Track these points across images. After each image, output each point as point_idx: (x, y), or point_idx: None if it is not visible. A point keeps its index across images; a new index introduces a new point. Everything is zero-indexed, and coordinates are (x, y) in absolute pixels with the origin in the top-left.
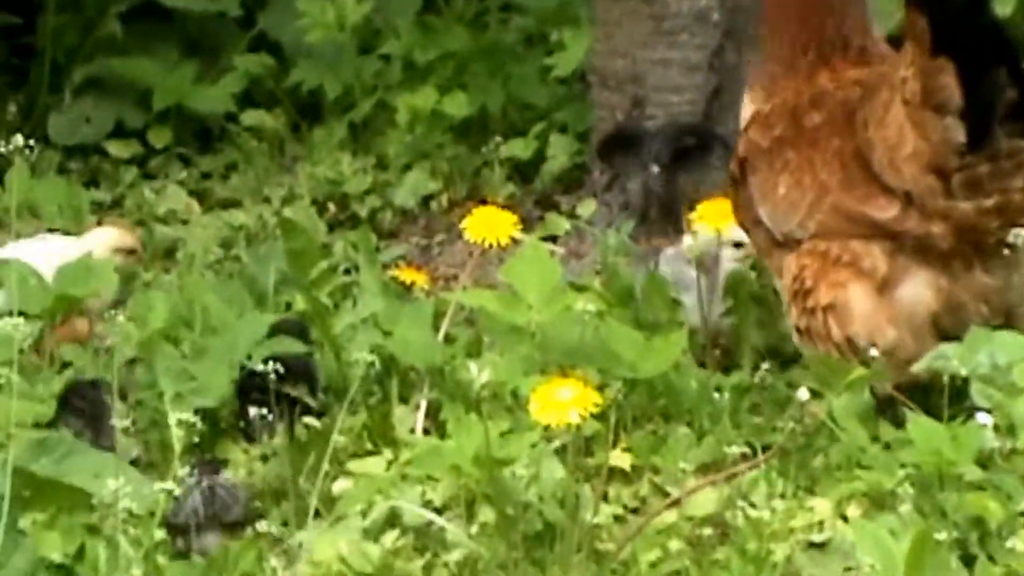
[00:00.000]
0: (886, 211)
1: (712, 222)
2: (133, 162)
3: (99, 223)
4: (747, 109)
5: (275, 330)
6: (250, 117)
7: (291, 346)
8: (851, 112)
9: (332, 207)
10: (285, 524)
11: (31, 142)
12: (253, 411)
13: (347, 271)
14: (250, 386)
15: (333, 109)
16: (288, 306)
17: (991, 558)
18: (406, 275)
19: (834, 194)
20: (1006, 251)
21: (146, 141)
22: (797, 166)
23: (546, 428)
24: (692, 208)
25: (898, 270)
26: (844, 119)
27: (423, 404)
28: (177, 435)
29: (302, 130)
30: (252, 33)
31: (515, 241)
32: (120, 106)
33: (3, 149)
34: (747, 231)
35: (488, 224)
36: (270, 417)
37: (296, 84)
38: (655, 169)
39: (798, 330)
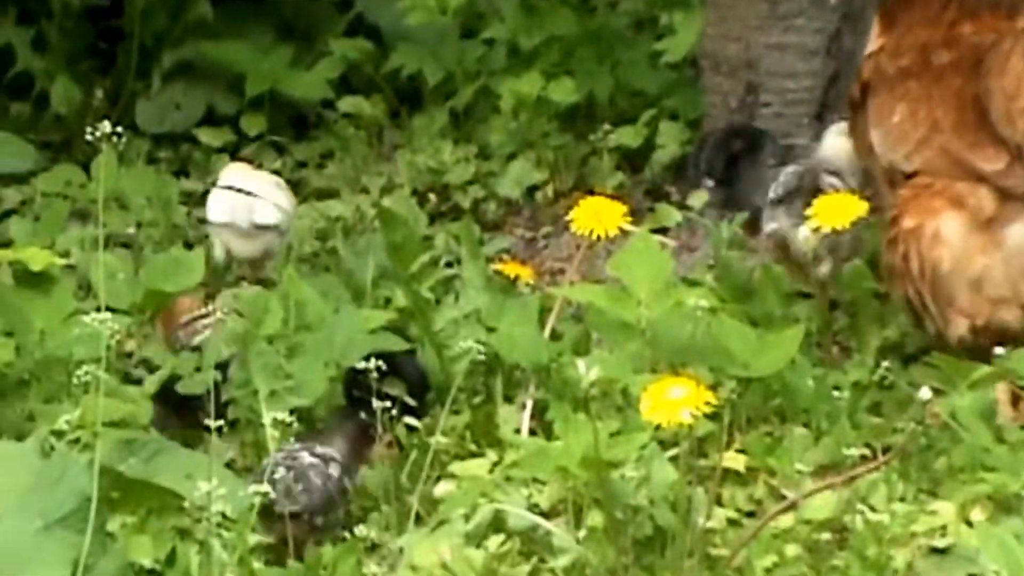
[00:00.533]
0: (993, 163)
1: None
2: (225, 150)
3: (188, 213)
4: (875, 39)
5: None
6: (347, 104)
7: (392, 343)
8: (980, 58)
9: (433, 197)
10: (385, 528)
11: (118, 129)
12: (360, 411)
13: (449, 264)
14: (350, 385)
15: (434, 96)
16: (387, 301)
17: None
18: (510, 269)
19: (945, 134)
20: None
21: (239, 128)
22: (916, 98)
23: (657, 428)
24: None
25: (1008, 211)
26: (972, 62)
27: (529, 403)
28: (272, 435)
29: (401, 117)
30: (349, 16)
31: (624, 233)
32: (211, 92)
33: (89, 137)
34: (862, 160)
35: (596, 215)
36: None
37: (395, 69)
38: (709, 183)
39: (887, 270)
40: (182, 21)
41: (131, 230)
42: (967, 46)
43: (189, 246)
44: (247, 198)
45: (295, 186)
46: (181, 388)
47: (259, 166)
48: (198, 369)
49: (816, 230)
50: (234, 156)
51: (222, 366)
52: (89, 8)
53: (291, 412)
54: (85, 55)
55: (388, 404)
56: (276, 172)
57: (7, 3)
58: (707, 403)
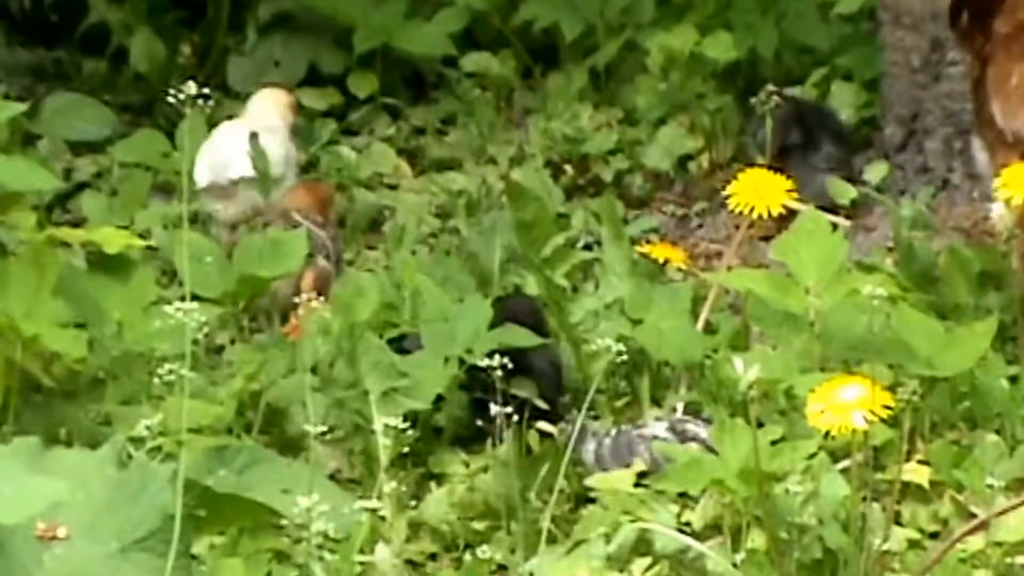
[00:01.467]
0: None
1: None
2: (331, 115)
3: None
4: None
5: (502, 316)
6: (472, 62)
7: (522, 337)
8: None
9: (570, 169)
10: (512, 550)
11: (207, 91)
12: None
13: (588, 247)
14: (472, 385)
15: (571, 52)
16: (517, 289)
17: None
18: (659, 252)
19: None
20: None
21: (346, 89)
22: None
23: (826, 436)
24: None
25: None
26: None
27: (679, 407)
28: (383, 443)
29: (534, 77)
30: None
31: (790, 212)
32: (315, 48)
33: (173, 99)
34: (984, 140)
35: (757, 190)
36: (496, 422)
37: (527, 22)
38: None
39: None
40: None
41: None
42: None
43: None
44: (225, 153)
45: (411, 156)
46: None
47: (370, 133)
48: (292, 370)
49: (1009, 202)
50: (341, 120)
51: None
52: None
53: (405, 417)
54: (169, 5)
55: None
56: (388, 141)
57: None
58: (884, 407)
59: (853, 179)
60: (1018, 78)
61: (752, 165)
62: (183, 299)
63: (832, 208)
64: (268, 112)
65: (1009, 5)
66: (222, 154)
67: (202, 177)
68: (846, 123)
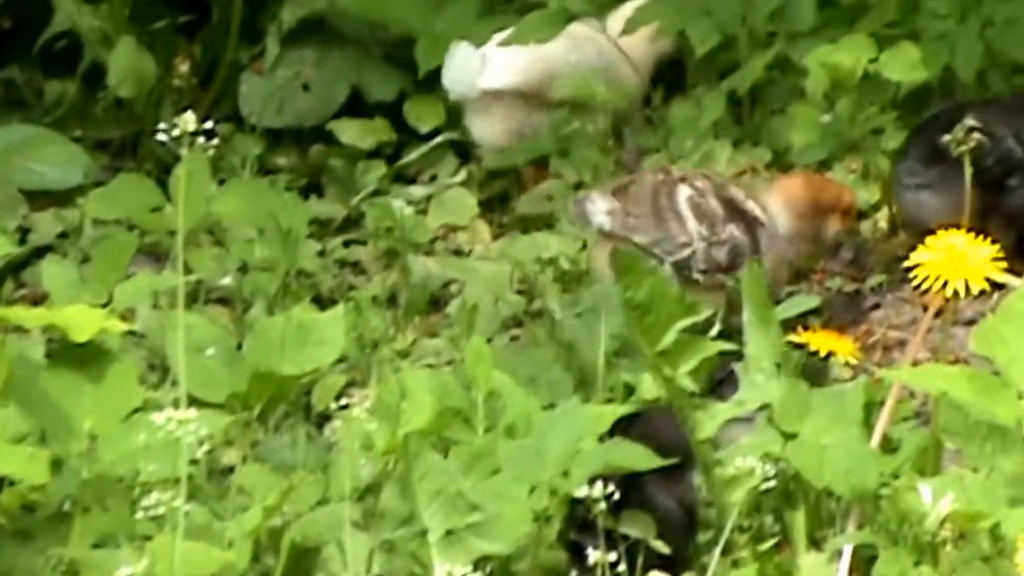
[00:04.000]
0: None
1: None
2: (379, 155)
3: (321, 252)
4: None
5: (613, 428)
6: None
7: (637, 456)
8: None
9: None
10: None
11: (211, 124)
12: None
13: (724, 334)
14: (568, 522)
15: (703, 71)
16: (629, 390)
17: None
18: (820, 341)
19: None
20: None
21: (401, 121)
22: None
23: None
24: None
25: None
26: None
27: (847, 550)
28: None
29: (653, 105)
30: None
31: (996, 287)
32: (358, 65)
33: (165, 136)
34: None
35: (953, 259)
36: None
37: None
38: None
39: None
40: None
41: (228, 279)
42: None
43: (322, 303)
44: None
45: (487, 211)
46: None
47: (431, 180)
48: (325, 500)
49: None
50: (392, 162)
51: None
52: None
53: (477, 565)
54: (161, 6)
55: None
56: (464, 185)
57: None
58: None
59: None
60: None
61: (945, 225)
62: (177, 404)
63: None
64: None
65: None
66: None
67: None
68: None
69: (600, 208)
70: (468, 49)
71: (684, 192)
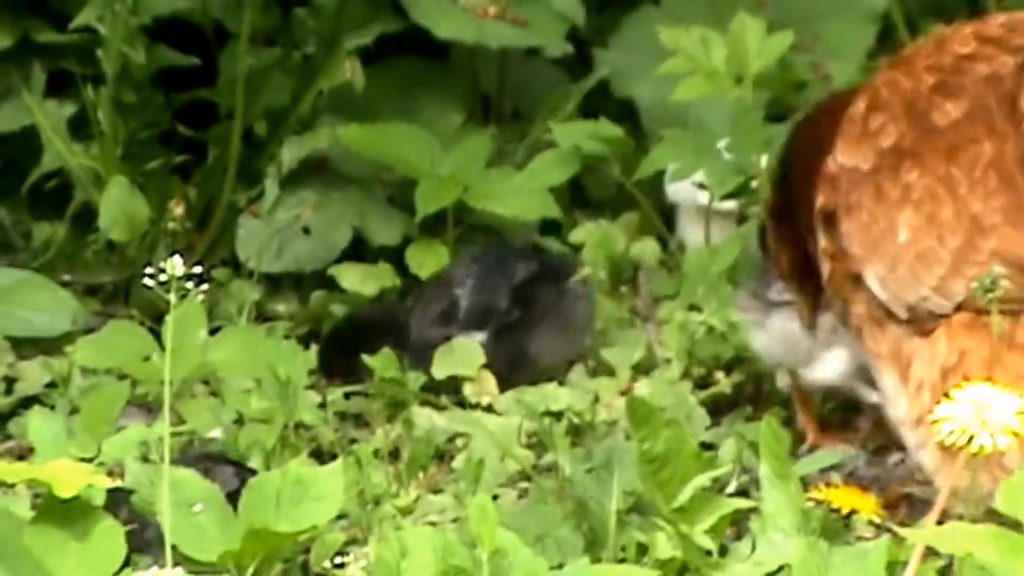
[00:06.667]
0: None
1: None
2: (381, 300)
3: (322, 403)
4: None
5: None
6: (581, 229)
7: None
8: (1008, 95)
9: (721, 376)
10: None
11: (205, 269)
12: None
13: (742, 492)
14: None
15: None
16: (642, 549)
17: None
18: (841, 498)
19: (998, 233)
20: None
21: (404, 267)
22: (929, 193)
23: None
24: None
25: None
26: (998, 107)
27: None
28: None
29: (669, 249)
30: (588, 85)
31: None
32: (360, 208)
33: (150, 281)
34: (832, 305)
35: (978, 408)
36: None
37: (660, 173)
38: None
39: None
40: (313, 90)
41: (217, 432)
42: (978, 83)
43: (321, 457)
44: None
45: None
46: None
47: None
48: None
49: None
50: None
51: None
52: (162, 71)
53: None
54: (155, 145)
55: None
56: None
57: (30, 60)
58: None
59: None
60: (909, 233)
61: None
62: (162, 565)
63: None
64: None
65: (855, 130)
66: None
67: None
68: None
69: None
70: None
71: None
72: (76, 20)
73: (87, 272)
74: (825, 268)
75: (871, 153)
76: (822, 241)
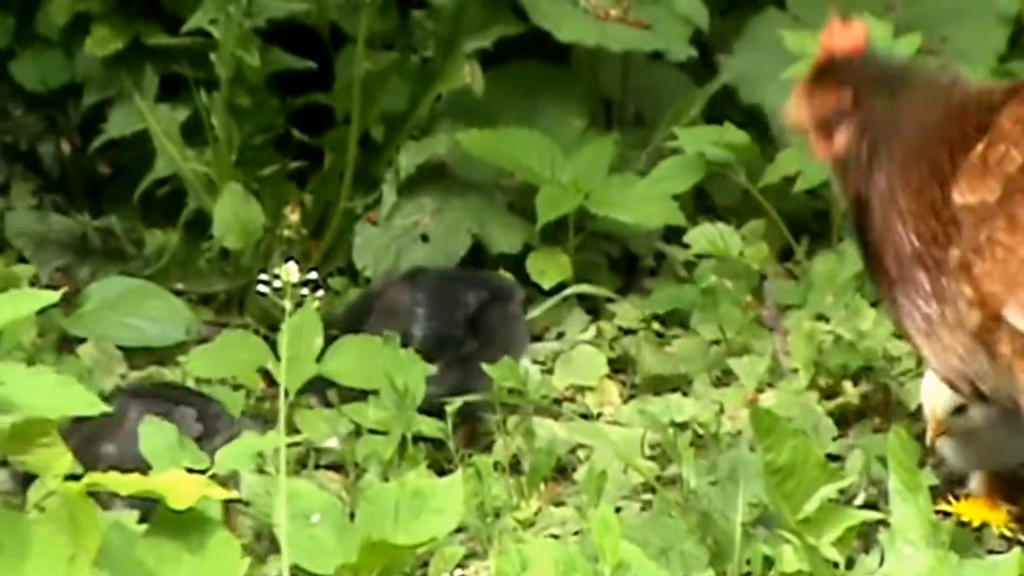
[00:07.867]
0: None
1: None
2: None
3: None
4: None
5: None
6: (705, 237)
7: None
8: None
9: (848, 386)
10: None
11: (319, 276)
12: None
13: (870, 504)
14: None
15: (849, 222)
16: (768, 563)
17: None
18: (972, 510)
19: None
20: None
21: (524, 275)
22: None
23: None
24: None
25: None
26: None
27: None
28: None
29: (795, 258)
30: (712, 90)
31: None
32: (480, 214)
33: (263, 288)
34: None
35: None
36: None
37: (787, 179)
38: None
39: None
40: (431, 95)
41: (333, 441)
42: None
43: (441, 471)
44: None
45: (616, 371)
46: None
47: (558, 335)
48: None
49: None
50: None
51: None
52: (277, 75)
53: None
54: (270, 151)
55: None
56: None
57: (142, 63)
58: None
59: None
60: None
61: None
62: None
63: None
64: None
65: (977, 160)
66: None
67: None
68: None
69: None
70: None
71: None
72: (189, 23)
73: (200, 280)
74: (972, 319)
75: (996, 183)
76: (967, 290)
